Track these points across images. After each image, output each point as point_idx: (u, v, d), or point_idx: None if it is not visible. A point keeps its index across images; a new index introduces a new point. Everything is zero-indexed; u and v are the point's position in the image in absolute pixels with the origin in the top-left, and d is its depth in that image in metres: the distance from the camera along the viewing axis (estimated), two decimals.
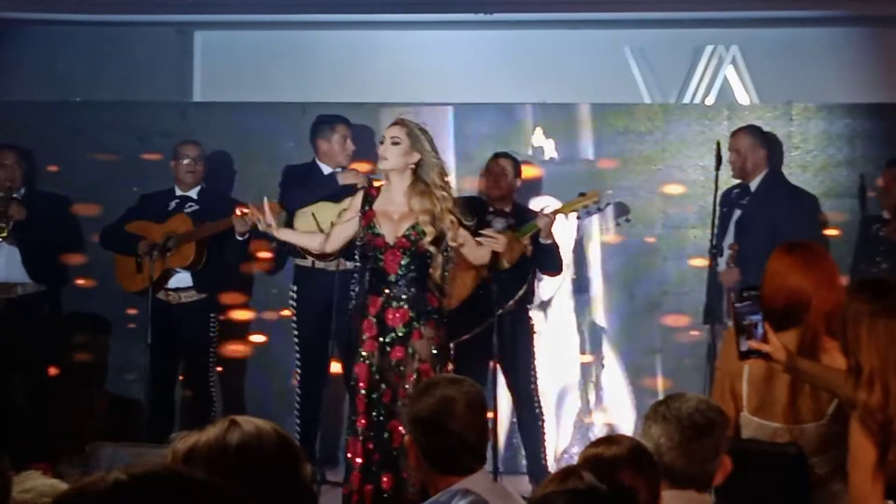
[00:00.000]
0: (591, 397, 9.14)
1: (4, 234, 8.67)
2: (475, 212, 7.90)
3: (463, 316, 7.87)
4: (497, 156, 8.62)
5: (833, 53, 9.37)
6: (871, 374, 4.22)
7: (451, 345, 7.30)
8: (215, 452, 2.51)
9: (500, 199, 8.48)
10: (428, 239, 6.96)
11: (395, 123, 7.09)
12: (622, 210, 8.85)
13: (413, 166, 7.00)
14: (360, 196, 7.22)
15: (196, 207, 8.71)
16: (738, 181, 8.56)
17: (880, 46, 9.39)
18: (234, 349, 9.17)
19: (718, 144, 8.16)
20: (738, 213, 8.45)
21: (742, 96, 9.53)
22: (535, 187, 9.08)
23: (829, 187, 8.98)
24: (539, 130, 9.25)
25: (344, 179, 8.42)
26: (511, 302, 8.18)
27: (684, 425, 3.73)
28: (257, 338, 9.28)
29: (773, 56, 9.42)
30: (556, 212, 8.28)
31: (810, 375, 4.68)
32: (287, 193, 8.59)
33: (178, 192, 8.79)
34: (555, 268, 8.52)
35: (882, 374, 4.20)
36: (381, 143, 7.06)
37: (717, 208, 8.17)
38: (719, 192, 8.08)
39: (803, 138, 9.03)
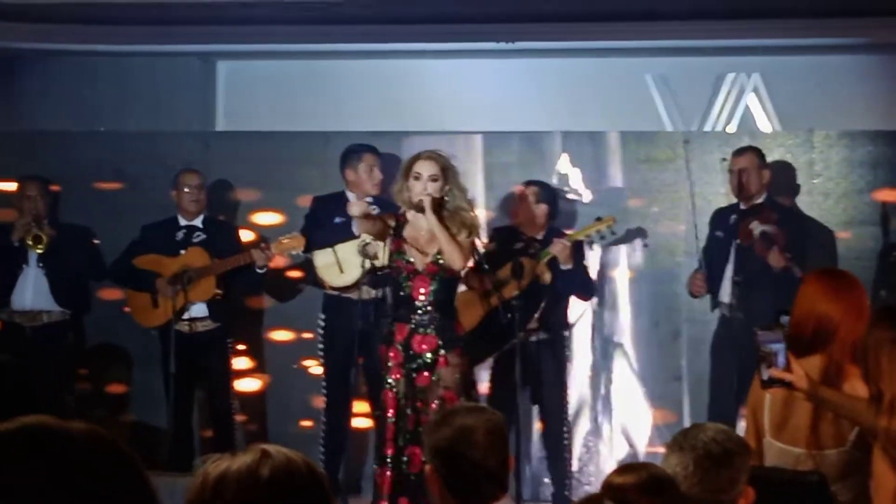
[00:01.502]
0: (611, 424, 9.12)
1: (42, 248, 8.71)
2: (503, 242, 8.12)
3: (476, 342, 7.90)
4: (525, 184, 8.65)
5: (854, 81, 9.37)
6: (893, 401, 4.21)
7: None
8: (246, 482, 2.50)
9: (528, 227, 8.50)
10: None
11: (427, 158, 7.15)
12: (640, 234, 8.89)
13: (445, 197, 7.14)
14: (391, 219, 7.29)
15: (203, 237, 8.72)
16: (734, 202, 8.55)
17: None
18: (253, 376, 9.21)
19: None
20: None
21: (764, 124, 9.54)
22: (563, 215, 9.06)
23: (851, 215, 8.96)
24: (565, 157, 9.26)
25: (361, 228, 8.38)
26: (527, 328, 8.17)
27: (699, 454, 3.72)
28: (307, 362, 9.26)
29: (795, 83, 9.43)
30: (570, 237, 8.32)
31: (833, 404, 4.67)
32: (313, 224, 8.62)
33: (183, 222, 8.78)
34: (584, 292, 8.56)
35: None
36: (417, 178, 7.11)
37: (711, 231, 8.43)
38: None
39: (825, 165, 9.02)
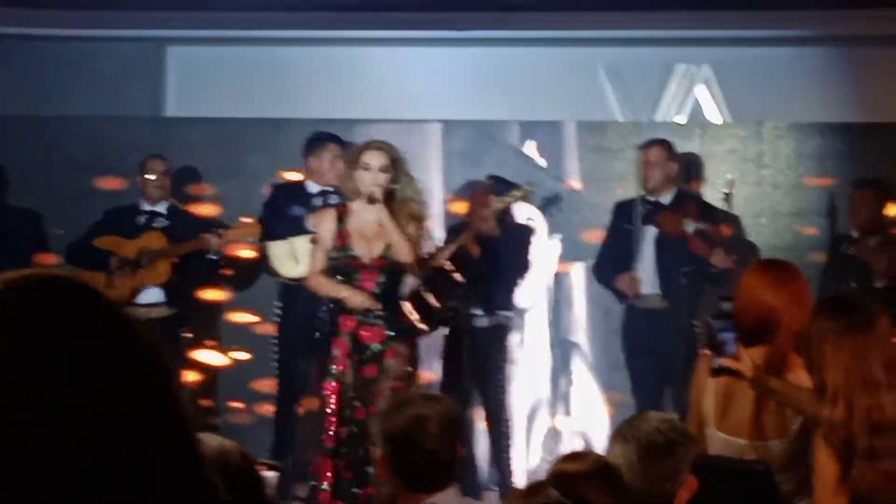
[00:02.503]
0: (564, 414, 9.14)
1: None
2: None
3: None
4: (488, 178, 8.67)
5: (804, 73, 9.41)
6: (836, 391, 4.23)
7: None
8: None
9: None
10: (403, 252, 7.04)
11: (377, 149, 7.10)
12: (556, 201, 8.90)
13: (393, 188, 7.08)
14: (330, 215, 7.24)
15: (166, 223, 8.68)
16: (642, 194, 8.59)
17: (851, 66, 9.43)
18: (205, 366, 9.17)
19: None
20: (653, 230, 8.49)
21: (714, 115, 9.57)
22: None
23: (799, 206, 9.02)
24: (531, 144, 9.28)
25: (313, 221, 8.34)
26: (457, 300, 8.17)
27: (643, 445, 3.74)
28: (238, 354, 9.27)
29: (745, 75, 9.46)
30: (492, 210, 8.24)
31: (778, 394, 4.69)
32: (271, 212, 8.59)
33: (146, 207, 8.75)
34: (518, 267, 8.49)
35: (846, 391, 4.21)
36: (367, 169, 7.06)
37: (616, 223, 8.51)
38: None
39: (774, 157, 9.07)
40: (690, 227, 8.33)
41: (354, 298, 7.13)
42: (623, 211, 8.62)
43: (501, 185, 8.57)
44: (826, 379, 4.25)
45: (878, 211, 8.37)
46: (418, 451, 3.76)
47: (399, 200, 7.11)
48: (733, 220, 8.83)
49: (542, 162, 9.32)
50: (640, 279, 8.42)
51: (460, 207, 8.76)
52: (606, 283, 8.67)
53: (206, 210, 9.09)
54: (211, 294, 9.16)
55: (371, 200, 7.02)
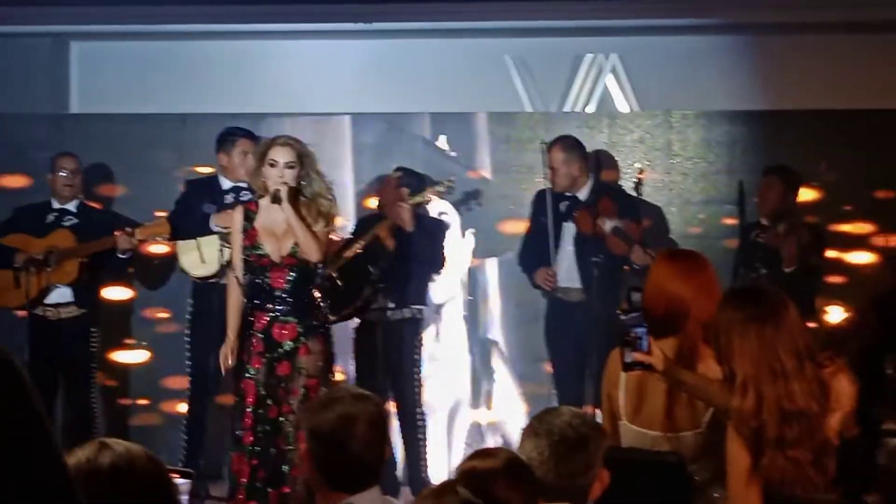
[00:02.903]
0: (483, 410, 9.15)
1: None
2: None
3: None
4: (395, 170, 8.64)
5: (712, 61, 9.46)
6: (745, 381, 4.24)
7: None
8: (86, 474, 2.46)
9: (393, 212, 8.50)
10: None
11: (283, 145, 7.02)
12: (474, 196, 8.91)
13: (302, 183, 7.02)
14: (239, 214, 7.16)
15: (75, 221, 8.58)
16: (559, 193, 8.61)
17: (758, 54, 9.49)
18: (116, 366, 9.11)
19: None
20: (572, 226, 8.51)
21: (622, 104, 9.59)
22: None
23: (709, 194, 9.07)
24: (443, 139, 9.28)
25: (217, 221, 8.30)
26: (372, 289, 8.17)
27: (555, 440, 3.72)
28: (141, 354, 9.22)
29: (653, 64, 9.49)
30: (410, 204, 8.28)
31: (688, 385, 4.70)
32: (183, 209, 8.52)
33: (56, 206, 8.65)
34: (432, 262, 8.50)
35: (755, 381, 4.23)
36: (273, 165, 6.98)
37: (535, 216, 8.55)
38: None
39: (683, 146, 9.11)
40: (607, 225, 8.36)
41: (225, 348, 7.13)
42: (541, 201, 8.62)
43: (412, 178, 8.56)
44: (735, 369, 4.27)
45: (785, 198, 8.43)
46: (344, 450, 3.72)
47: (307, 197, 7.04)
48: (653, 210, 8.87)
49: (453, 154, 9.29)
50: (556, 273, 8.43)
51: (373, 200, 8.73)
52: (529, 273, 8.68)
53: (114, 208, 9.02)
54: (120, 293, 9.10)
55: (275, 200, 6.94)
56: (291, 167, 6.98)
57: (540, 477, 3.67)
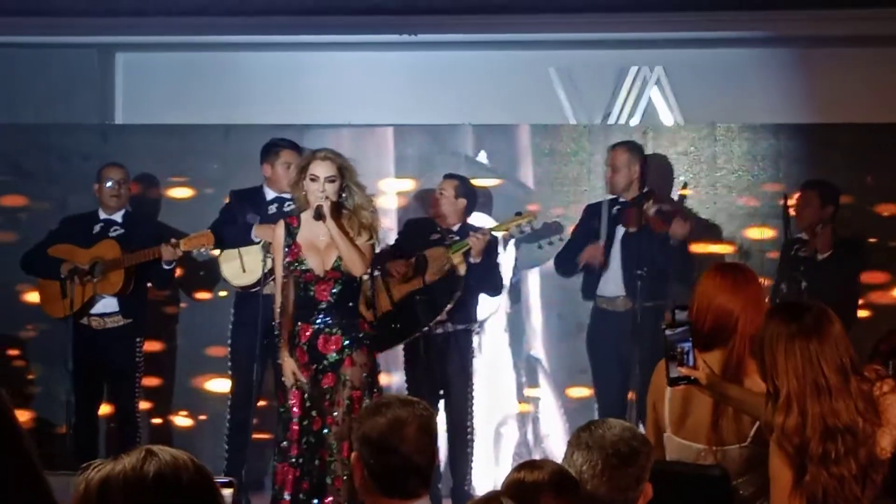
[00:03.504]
0: (530, 427, 9.13)
1: None
2: (419, 233, 8.28)
3: (389, 329, 7.91)
4: (444, 177, 8.68)
5: (756, 74, 9.42)
6: (789, 397, 4.20)
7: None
8: (132, 483, 2.44)
9: (442, 219, 8.50)
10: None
11: (323, 159, 7.03)
12: (557, 230, 8.88)
13: (343, 197, 7.04)
14: (280, 229, 7.17)
15: (121, 231, 8.62)
16: (611, 196, 8.64)
17: (803, 67, 9.45)
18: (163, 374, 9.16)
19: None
20: (620, 231, 8.50)
21: (666, 117, 9.56)
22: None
23: (754, 207, 9.03)
24: (483, 153, 9.28)
25: (258, 233, 8.31)
26: (441, 316, 8.21)
27: (608, 453, 3.70)
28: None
29: (697, 77, 9.46)
30: (488, 230, 8.34)
31: (734, 400, 4.68)
32: (227, 218, 8.54)
33: (102, 216, 8.69)
34: (491, 288, 8.56)
35: (799, 397, 4.19)
36: (314, 180, 6.99)
37: (584, 222, 8.60)
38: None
39: (727, 159, 9.07)
40: (651, 210, 8.37)
41: (288, 366, 7.10)
42: (593, 211, 8.67)
43: (467, 188, 8.57)
44: (779, 385, 4.23)
45: (822, 212, 8.43)
46: (395, 454, 3.72)
47: (349, 209, 7.05)
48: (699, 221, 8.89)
49: (492, 166, 9.28)
50: (602, 249, 8.40)
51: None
52: (566, 274, 8.67)
53: (159, 218, 9.06)
54: (166, 303, 9.13)
55: (318, 216, 6.95)
56: (332, 181, 6.99)
57: (590, 490, 3.65)
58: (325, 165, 7.00)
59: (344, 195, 7.03)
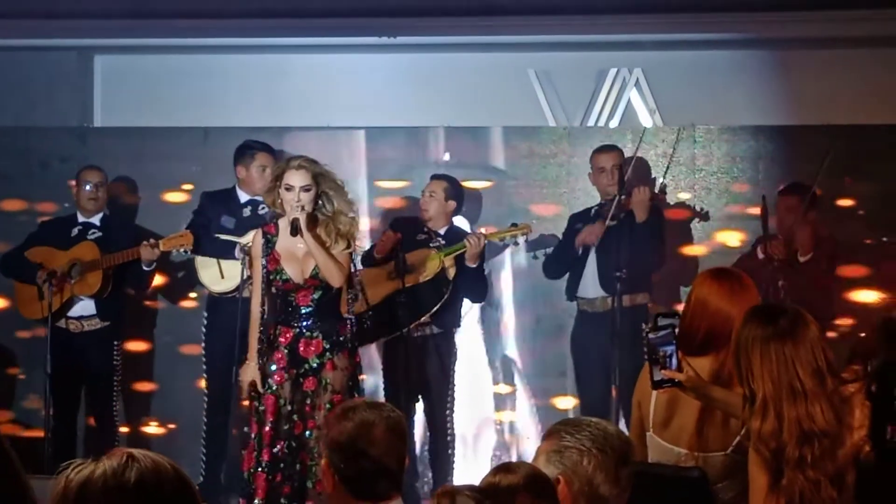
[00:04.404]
0: (507, 428, 9.13)
1: None
2: (405, 233, 8.24)
3: (374, 322, 7.89)
4: (432, 178, 8.67)
5: (735, 76, 9.44)
6: (765, 401, 4.19)
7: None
8: (112, 487, 2.42)
9: (431, 220, 8.47)
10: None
11: (298, 168, 6.98)
12: (552, 242, 8.87)
13: (320, 203, 6.99)
14: (258, 237, 7.12)
15: (99, 234, 8.60)
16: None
17: (782, 69, 9.47)
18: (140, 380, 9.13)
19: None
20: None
21: (646, 119, 9.57)
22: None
23: (732, 209, 9.04)
24: (447, 155, 9.26)
25: (239, 251, 8.27)
26: (426, 317, 8.20)
27: (618, 455, 3.69)
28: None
29: (677, 79, 9.47)
30: (485, 237, 8.31)
31: (718, 401, 4.68)
32: (201, 221, 8.51)
33: (81, 219, 8.67)
34: (478, 294, 8.57)
35: (775, 401, 4.18)
36: (289, 189, 6.95)
37: (569, 226, 8.64)
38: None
39: (707, 160, 9.08)
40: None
41: (245, 374, 7.07)
42: (577, 218, 8.70)
43: (457, 189, 8.53)
44: (755, 389, 4.22)
45: (804, 216, 8.44)
46: (364, 457, 3.72)
47: (327, 215, 7.00)
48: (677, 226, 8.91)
49: (471, 168, 9.27)
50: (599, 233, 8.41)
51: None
52: (554, 276, 8.72)
53: (137, 221, 9.04)
54: (145, 305, 9.11)
55: (294, 231, 6.88)
56: (308, 190, 6.93)
57: (605, 494, 3.63)
58: (300, 175, 6.94)
59: (321, 202, 6.99)
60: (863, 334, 6.66)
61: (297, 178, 6.92)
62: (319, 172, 6.97)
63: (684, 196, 9.03)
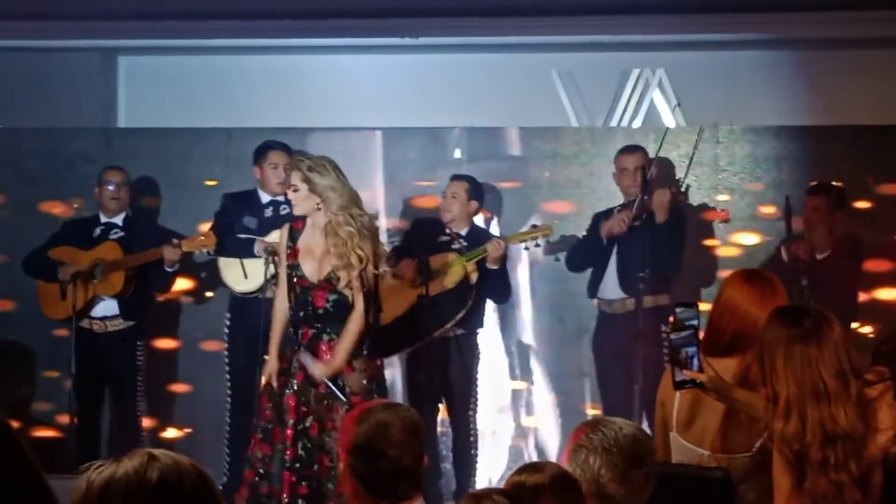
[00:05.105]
0: (524, 423, 9.12)
1: None
2: (426, 234, 8.21)
3: (397, 333, 7.88)
4: (452, 178, 8.62)
5: (758, 76, 9.42)
6: (788, 403, 4.19)
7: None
8: (134, 487, 2.43)
9: (454, 222, 8.45)
10: (343, 283, 6.89)
11: (291, 168, 6.97)
12: (564, 245, 8.85)
13: (319, 206, 6.90)
14: (285, 231, 7.12)
15: (121, 234, 8.62)
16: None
17: (805, 69, 9.45)
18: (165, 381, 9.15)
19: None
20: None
21: (668, 119, 9.56)
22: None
23: (756, 209, 9.02)
24: (458, 152, 9.27)
25: (258, 248, 8.26)
26: (449, 325, 8.18)
27: (627, 455, 3.70)
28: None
29: (699, 79, 9.45)
30: (506, 239, 8.28)
31: (741, 402, 4.67)
32: (223, 222, 8.52)
33: (103, 219, 8.69)
34: (501, 296, 8.55)
35: (799, 403, 4.18)
36: (289, 188, 6.97)
37: (592, 226, 8.53)
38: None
39: (730, 161, 9.07)
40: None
41: (267, 367, 7.08)
42: (599, 217, 8.65)
43: (477, 189, 8.52)
44: (778, 390, 4.22)
45: (830, 217, 8.42)
46: (382, 458, 3.73)
47: (332, 226, 6.87)
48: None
49: (492, 169, 9.26)
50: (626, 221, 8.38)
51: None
52: (576, 270, 8.68)
53: (160, 221, 9.06)
54: (168, 305, 9.13)
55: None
56: (295, 190, 6.87)
57: (611, 493, 3.64)
58: (292, 175, 6.92)
59: (318, 205, 6.91)
60: (886, 335, 6.63)
61: (293, 178, 6.92)
62: (309, 174, 6.83)
63: (706, 197, 9.02)
